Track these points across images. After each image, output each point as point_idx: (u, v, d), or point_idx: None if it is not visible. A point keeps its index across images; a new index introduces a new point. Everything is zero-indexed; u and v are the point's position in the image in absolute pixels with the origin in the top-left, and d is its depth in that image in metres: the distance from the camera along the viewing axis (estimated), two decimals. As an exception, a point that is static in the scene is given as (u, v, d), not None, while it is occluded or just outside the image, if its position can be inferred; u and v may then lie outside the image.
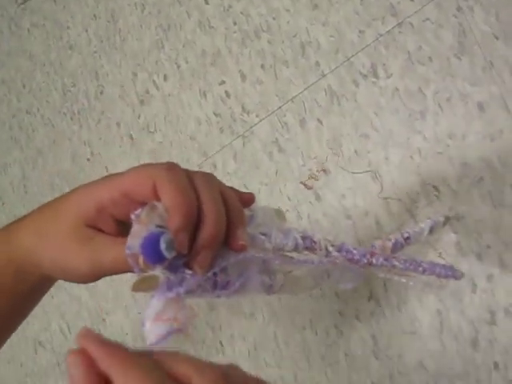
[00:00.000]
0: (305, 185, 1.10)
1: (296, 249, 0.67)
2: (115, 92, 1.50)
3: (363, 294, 1.03)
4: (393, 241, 0.80)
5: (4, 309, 0.71)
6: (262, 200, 1.17)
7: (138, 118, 1.44)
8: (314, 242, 0.69)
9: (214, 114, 1.27)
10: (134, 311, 1.45)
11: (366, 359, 1.04)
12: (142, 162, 1.32)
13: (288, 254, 0.68)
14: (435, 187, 0.96)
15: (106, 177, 0.64)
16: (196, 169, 1.17)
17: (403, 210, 0.99)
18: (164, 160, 1.25)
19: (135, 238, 0.54)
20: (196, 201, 0.58)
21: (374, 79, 1.03)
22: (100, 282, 1.44)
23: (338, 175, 1.07)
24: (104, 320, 1.53)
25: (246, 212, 0.65)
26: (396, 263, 0.74)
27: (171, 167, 0.60)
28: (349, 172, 1.05)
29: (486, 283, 0.92)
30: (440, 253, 0.95)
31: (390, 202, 1.00)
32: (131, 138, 1.45)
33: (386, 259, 0.73)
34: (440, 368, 0.96)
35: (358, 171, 1.05)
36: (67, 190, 1.51)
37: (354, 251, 0.71)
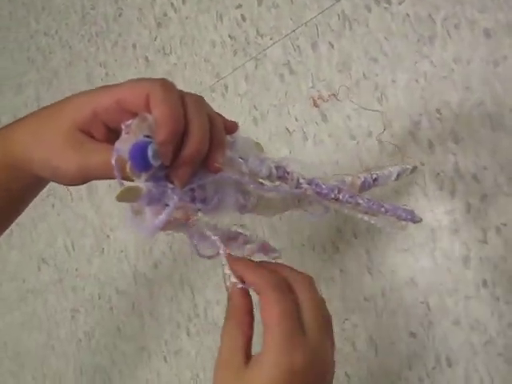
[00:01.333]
0: (314, 100, 1.14)
1: (270, 176, 0.71)
2: (133, 15, 1.53)
3: (362, 211, 1.07)
4: (362, 179, 0.84)
5: None
6: (271, 120, 1.21)
7: (155, 40, 1.47)
8: (287, 173, 0.73)
9: (229, 36, 1.30)
10: (139, 228, 1.48)
11: (359, 275, 1.08)
12: (155, 82, 1.36)
13: (262, 182, 0.73)
14: (438, 110, 0.99)
15: (103, 86, 0.67)
16: (208, 90, 1.22)
17: (406, 131, 1.02)
18: (178, 81, 1.29)
19: (124, 144, 0.57)
20: (184, 118, 0.61)
21: (387, 5, 1.06)
22: (106, 199, 1.48)
23: (345, 97, 1.10)
24: (108, 236, 1.57)
25: (228, 138, 0.69)
26: (360, 201, 0.78)
27: (165, 84, 0.62)
28: (355, 94, 1.09)
29: (480, 203, 0.95)
30: (438, 173, 0.99)
31: (393, 124, 1.04)
32: (146, 59, 1.49)
33: (351, 196, 0.77)
34: (430, 284, 1.00)
35: (364, 94, 1.08)
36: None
37: (323, 186, 0.75)
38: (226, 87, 1.29)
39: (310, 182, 0.74)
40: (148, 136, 0.58)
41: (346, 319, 1.09)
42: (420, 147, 1.00)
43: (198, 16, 1.36)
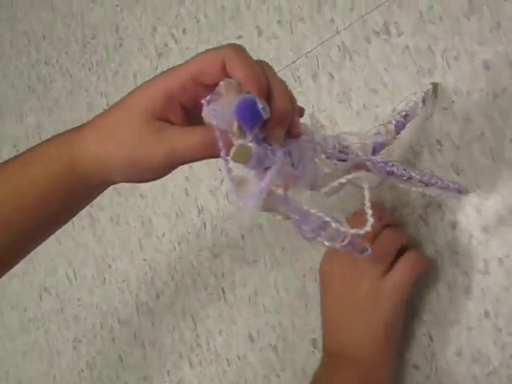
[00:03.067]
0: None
1: (333, 151, 0.72)
2: (134, 45, 1.54)
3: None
4: (394, 122, 0.86)
5: (57, 210, 0.73)
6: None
7: (156, 69, 1.47)
8: (346, 147, 0.74)
9: (230, 67, 1.30)
10: (139, 257, 1.49)
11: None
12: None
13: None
14: (438, 141, 0.99)
15: (172, 67, 0.65)
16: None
17: (407, 162, 1.03)
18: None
19: (223, 111, 0.56)
20: (264, 76, 0.60)
21: (386, 37, 1.06)
22: (107, 229, 1.48)
23: (346, 128, 1.10)
24: (110, 266, 1.57)
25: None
26: (413, 174, 0.80)
27: (238, 47, 0.62)
28: (356, 125, 1.09)
29: (482, 234, 0.95)
30: (440, 204, 0.99)
31: (393, 155, 1.04)
32: (147, 89, 1.49)
33: (404, 169, 0.79)
34: (433, 316, 1.00)
35: (365, 124, 1.08)
36: (81, 139, 1.55)
37: (379, 160, 0.77)
38: (227, 119, 1.30)
39: (367, 157, 0.76)
40: None
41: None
42: (421, 179, 1.01)
43: (199, 46, 1.37)
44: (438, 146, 1.00)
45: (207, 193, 1.32)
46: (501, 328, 0.94)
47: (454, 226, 0.98)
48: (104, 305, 1.59)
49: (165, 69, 1.38)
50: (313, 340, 1.14)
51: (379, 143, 0.81)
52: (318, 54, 1.15)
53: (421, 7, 1.03)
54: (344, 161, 0.73)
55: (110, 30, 1.62)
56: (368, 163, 0.75)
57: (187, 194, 1.37)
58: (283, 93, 0.62)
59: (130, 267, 1.52)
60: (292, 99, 0.65)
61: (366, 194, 0.72)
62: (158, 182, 1.37)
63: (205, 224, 1.33)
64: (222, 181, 1.30)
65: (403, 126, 0.87)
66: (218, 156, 0.58)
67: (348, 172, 0.74)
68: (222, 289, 1.30)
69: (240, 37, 1.29)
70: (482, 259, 0.95)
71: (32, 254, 0.76)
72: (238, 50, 0.62)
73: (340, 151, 0.73)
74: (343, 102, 1.11)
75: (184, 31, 1.41)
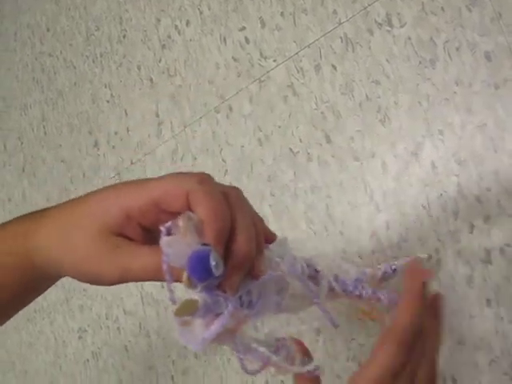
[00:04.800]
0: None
1: (302, 275, 0.68)
2: (138, 36, 1.55)
3: (365, 232, 1.08)
4: (382, 269, 0.83)
5: (8, 301, 0.70)
6: (275, 141, 1.22)
7: (159, 61, 1.48)
8: (317, 271, 0.70)
9: (233, 58, 1.31)
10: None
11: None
12: (160, 105, 1.38)
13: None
14: (440, 132, 1.00)
15: (135, 182, 0.62)
16: (212, 112, 1.23)
17: (409, 153, 1.03)
18: (183, 103, 1.31)
19: (178, 251, 0.54)
20: (228, 214, 0.57)
21: (389, 28, 1.07)
22: None
23: (349, 118, 1.11)
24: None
25: None
26: (381, 297, 0.76)
27: (205, 179, 0.59)
28: (358, 115, 1.10)
29: (483, 224, 0.96)
30: (441, 194, 1.00)
31: (396, 144, 1.05)
32: (151, 81, 1.50)
33: (373, 292, 0.75)
34: (435, 304, 1.01)
35: (367, 116, 1.09)
36: (86, 131, 1.57)
37: (348, 282, 0.73)
38: (231, 109, 1.31)
39: (336, 280, 0.72)
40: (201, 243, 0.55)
41: (353, 339, 1.10)
42: (423, 168, 1.01)
43: (202, 38, 1.38)
44: (440, 137, 1.00)
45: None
46: (502, 316, 0.95)
47: (456, 215, 0.98)
48: (109, 295, 1.59)
49: (168, 61, 1.41)
50: (317, 329, 1.15)
51: (359, 280, 0.77)
52: (321, 45, 1.16)
53: (423, -2, 1.03)
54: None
55: (114, 21, 1.62)
56: (337, 289, 0.72)
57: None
58: (247, 234, 0.58)
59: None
60: (258, 236, 0.61)
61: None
62: (162, 172, 1.38)
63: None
64: (226, 171, 1.31)
65: (388, 277, 0.85)
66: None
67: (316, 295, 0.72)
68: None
69: (243, 28, 1.29)
70: (484, 248, 0.96)
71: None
72: (206, 183, 0.58)
73: (310, 276, 0.69)
74: (346, 94, 1.12)
75: (187, 23, 1.42)
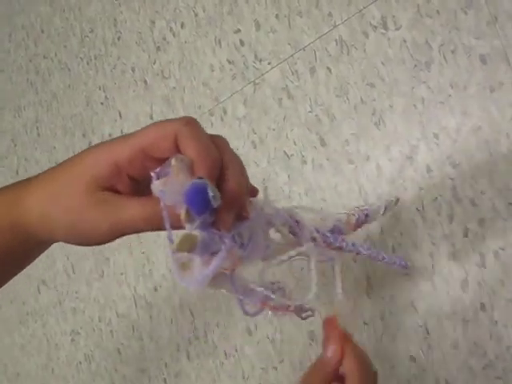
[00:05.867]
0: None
1: (283, 225, 0.69)
2: (132, 38, 1.54)
3: (360, 236, 1.08)
4: (356, 216, 0.86)
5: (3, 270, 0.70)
6: (270, 144, 1.22)
7: (154, 63, 1.48)
8: (297, 222, 0.71)
9: (228, 61, 1.31)
10: (137, 250, 1.49)
11: (359, 299, 1.08)
12: (155, 107, 1.38)
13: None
14: (435, 135, 1.00)
15: (123, 135, 0.62)
16: (207, 114, 1.23)
17: (404, 156, 1.03)
18: (177, 105, 1.30)
19: (172, 190, 0.54)
20: (217, 153, 0.57)
21: (384, 31, 1.07)
22: None
23: (343, 121, 1.11)
24: (108, 259, 1.57)
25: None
26: (361, 249, 0.81)
27: (191, 121, 0.59)
28: (353, 118, 1.10)
29: (478, 227, 0.96)
30: (436, 197, 0.99)
31: (391, 147, 1.05)
32: (145, 82, 1.50)
33: (353, 244, 0.79)
34: (429, 308, 1.01)
35: (362, 119, 1.09)
36: (79, 133, 1.56)
37: (329, 235, 0.76)
38: (225, 111, 1.30)
39: (317, 231, 0.74)
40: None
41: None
42: (418, 171, 1.01)
43: (197, 40, 1.37)
44: (435, 140, 1.00)
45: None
46: (497, 321, 0.95)
47: (450, 219, 0.98)
48: (102, 298, 1.59)
49: (162, 64, 1.41)
50: (310, 332, 1.15)
51: (337, 228, 0.81)
52: (316, 48, 1.16)
53: (418, 1, 1.03)
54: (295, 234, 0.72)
55: (108, 23, 1.62)
56: (318, 240, 0.74)
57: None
58: (237, 174, 0.59)
59: (128, 260, 1.52)
60: (246, 179, 0.62)
61: (337, 270, 0.76)
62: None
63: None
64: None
65: (362, 223, 0.88)
66: (164, 229, 0.56)
67: (299, 245, 0.73)
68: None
69: (238, 31, 1.29)
70: (478, 252, 0.96)
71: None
72: (192, 125, 0.59)
73: (291, 226, 0.71)
74: (340, 96, 1.12)
75: (182, 25, 1.42)
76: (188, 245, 0.55)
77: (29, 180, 0.67)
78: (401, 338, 1.03)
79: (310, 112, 1.16)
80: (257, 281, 0.65)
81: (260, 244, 0.64)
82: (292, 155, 1.18)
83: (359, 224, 0.87)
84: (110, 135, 1.57)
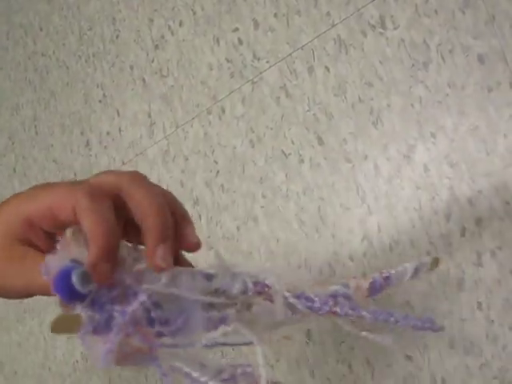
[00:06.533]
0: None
1: (245, 293, 0.59)
2: (131, 37, 1.54)
3: (357, 234, 1.08)
4: (371, 280, 0.67)
5: None
6: (267, 143, 1.22)
7: (152, 62, 1.48)
8: (268, 287, 0.60)
9: (226, 59, 1.31)
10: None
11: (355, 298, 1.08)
12: (153, 106, 1.37)
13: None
14: (432, 134, 1.00)
15: (40, 187, 0.60)
16: (205, 113, 1.23)
17: (401, 156, 1.03)
18: (175, 103, 1.30)
19: (54, 263, 0.51)
20: (116, 230, 0.54)
21: (382, 30, 1.07)
22: None
23: (341, 120, 1.11)
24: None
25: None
26: (364, 313, 0.63)
27: (93, 193, 0.55)
28: (351, 117, 1.10)
29: (475, 227, 0.96)
30: (433, 197, 1.00)
31: (388, 147, 1.05)
32: (143, 81, 1.49)
33: (352, 309, 0.62)
34: (426, 307, 1.01)
35: (360, 118, 1.09)
36: (77, 131, 1.56)
37: (315, 298, 0.62)
38: (223, 110, 1.30)
39: (298, 296, 0.62)
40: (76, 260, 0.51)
41: (343, 342, 1.09)
42: (415, 171, 1.01)
43: (195, 39, 1.38)
44: (432, 139, 1.00)
45: (202, 185, 1.33)
46: (493, 320, 0.95)
47: (448, 218, 0.98)
48: (99, 296, 1.59)
49: (161, 62, 1.41)
50: (307, 331, 1.15)
51: (341, 294, 0.65)
52: (314, 47, 1.16)
53: (416, 0, 1.03)
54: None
55: (107, 21, 1.62)
56: (299, 307, 0.62)
57: (182, 186, 1.37)
58: (156, 213, 0.55)
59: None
60: (184, 211, 0.59)
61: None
62: (154, 173, 1.38)
63: (200, 216, 1.33)
64: (218, 172, 1.30)
65: (380, 289, 0.69)
66: None
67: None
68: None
69: (236, 29, 1.29)
70: (475, 251, 0.96)
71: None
72: (93, 198, 0.55)
73: (259, 292, 0.60)
74: (338, 95, 1.12)
75: (181, 23, 1.42)
76: (68, 326, 0.49)
77: None
78: (397, 337, 1.03)
79: (307, 111, 1.16)
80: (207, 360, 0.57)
81: (199, 316, 0.57)
82: (290, 154, 1.18)
83: (377, 290, 0.69)
84: (107, 133, 1.57)
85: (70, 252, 0.51)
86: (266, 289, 0.60)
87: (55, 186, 0.58)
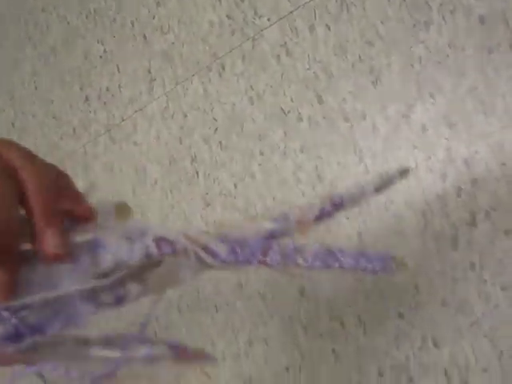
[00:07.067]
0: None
1: (148, 257, 0.54)
2: (132, -8, 1.54)
3: (354, 193, 1.09)
4: (317, 211, 0.60)
5: None
6: (267, 101, 1.22)
7: (153, 18, 1.47)
8: (174, 244, 0.55)
9: (227, 16, 1.31)
10: (131, 204, 1.50)
11: (350, 255, 1.09)
12: (153, 62, 1.37)
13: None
14: (431, 94, 1.01)
15: None
16: (205, 70, 1.23)
17: (400, 115, 1.04)
18: (175, 60, 1.30)
19: None
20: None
21: (384, -11, 1.07)
22: (101, 177, 1.47)
23: (341, 79, 1.11)
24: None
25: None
26: (300, 261, 0.56)
27: None
28: (351, 77, 1.10)
29: (471, 187, 0.97)
30: (430, 157, 1.00)
31: (387, 106, 1.05)
32: (144, 37, 1.49)
33: (285, 256, 0.56)
34: (420, 266, 1.02)
35: (359, 77, 1.09)
36: (77, 87, 1.56)
37: (238, 250, 0.55)
38: (223, 67, 1.30)
39: (215, 248, 0.55)
40: None
41: (335, 298, 1.11)
42: (413, 130, 1.02)
43: (197, -5, 1.38)
44: (431, 100, 1.01)
45: (201, 141, 1.33)
46: (486, 280, 0.96)
47: (444, 178, 0.99)
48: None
49: (162, 19, 1.41)
50: (301, 288, 1.16)
51: (278, 232, 0.58)
52: (316, 5, 1.16)
53: (419, -40, 1.03)
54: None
55: (109, -23, 1.61)
56: (225, 261, 0.56)
57: (181, 142, 1.38)
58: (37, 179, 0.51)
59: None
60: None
61: None
62: (153, 129, 1.39)
63: (197, 172, 1.34)
64: (216, 129, 1.31)
65: (329, 215, 0.61)
66: None
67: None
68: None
69: (238, -13, 1.29)
70: (470, 211, 0.97)
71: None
72: None
73: (163, 254, 0.55)
74: (339, 54, 1.12)
75: (183, -20, 1.42)
76: None
77: None
78: (390, 295, 1.04)
79: (307, 69, 1.16)
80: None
81: (83, 308, 0.51)
82: (289, 112, 1.18)
83: (323, 218, 0.61)
84: (107, 89, 1.57)
85: None
86: (174, 247, 0.54)
87: None
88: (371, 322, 1.06)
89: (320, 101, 1.14)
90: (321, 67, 1.14)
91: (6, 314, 0.47)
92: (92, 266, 0.52)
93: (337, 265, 0.56)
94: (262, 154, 1.22)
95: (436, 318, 1.00)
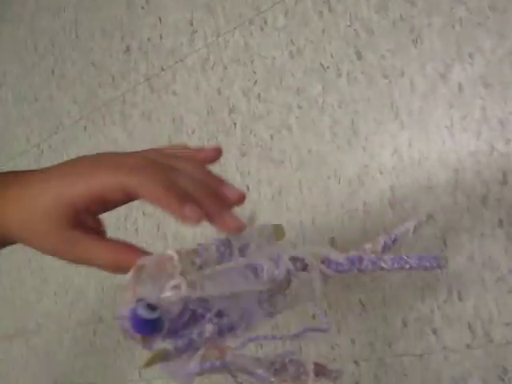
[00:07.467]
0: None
1: (289, 273, 0.64)
2: None
3: (388, 148, 1.11)
4: (382, 243, 0.75)
5: None
6: (307, 56, 1.24)
7: (197, -31, 1.49)
8: (306, 264, 0.66)
9: (271, -29, 1.33)
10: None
11: (382, 209, 1.12)
12: (195, 14, 1.39)
13: None
14: (470, 55, 1.03)
15: (74, 166, 0.64)
16: (247, 23, 1.25)
17: (437, 74, 1.06)
18: (218, 13, 1.32)
19: (125, 306, 0.54)
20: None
21: None
22: (138, 125, 1.50)
23: (381, 37, 1.13)
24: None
25: (236, 241, 0.63)
26: (383, 265, 0.72)
27: (140, 169, 0.60)
28: (391, 35, 1.12)
29: (503, 147, 0.99)
30: (465, 115, 1.03)
31: (426, 65, 1.07)
32: (188, -11, 1.52)
33: (373, 263, 0.70)
34: (449, 221, 1.04)
35: (400, 36, 1.11)
36: (118, 37, 1.59)
37: (343, 263, 0.68)
38: (265, 21, 1.33)
39: (328, 265, 0.67)
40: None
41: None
42: (450, 90, 1.04)
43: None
44: (470, 60, 1.03)
45: (240, 93, 1.36)
46: (513, 237, 0.99)
47: (478, 136, 1.01)
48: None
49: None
50: (331, 239, 1.19)
51: (356, 258, 0.71)
52: (360, -37, 1.18)
53: None
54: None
55: None
56: (330, 274, 0.67)
57: (220, 93, 1.40)
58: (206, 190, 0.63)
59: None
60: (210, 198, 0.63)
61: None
62: (192, 80, 1.41)
63: (235, 123, 1.37)
64: (256, 81, 1.33)
65: (389, 249, 0.77)
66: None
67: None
68: (247, 186, 1.34)
69: None
70: (502, 170, 0.99)
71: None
72: (142, 173, 0.60)
73: (301, 269, 0.65)
74: (380, 12, 1.14)
75: None
76: (158, 359, 0.53)
77: (7, 186, 0.66)
78: (418, 247, 1.06)
79: (348, 26, 1.18)
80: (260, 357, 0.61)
81: (256, 315, 0.61)
82: (328, 67, 1.21)
83: (386, 251, 0.77)
84: (148, 39, 1.60)
85: (134, 293, 0.54)
86: (306, 266, 0.66)
87: (96, 167, 0.61)
88: (400, 275, 1.09)
89: (359, 57, 1.16)
90: (362, 24, 1.16)
91: (210, 315, 0.56)
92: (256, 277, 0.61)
93: (408, 266, 0.72)
94: (299, 107, 1.25)
95: (462, 273, 1.03)
